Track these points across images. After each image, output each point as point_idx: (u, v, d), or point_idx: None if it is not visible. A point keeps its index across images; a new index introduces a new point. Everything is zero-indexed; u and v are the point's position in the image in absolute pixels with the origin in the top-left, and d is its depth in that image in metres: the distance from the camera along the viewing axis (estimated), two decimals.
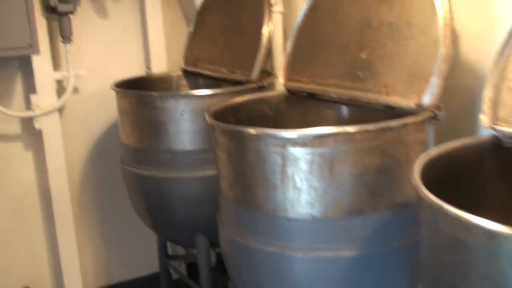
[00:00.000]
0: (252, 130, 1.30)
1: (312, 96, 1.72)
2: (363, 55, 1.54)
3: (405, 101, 1.38)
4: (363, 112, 1.57)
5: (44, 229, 2.36)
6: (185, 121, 1.85)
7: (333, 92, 1.62)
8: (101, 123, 2.42)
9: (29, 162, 2.29)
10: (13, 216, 2.30)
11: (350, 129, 1.24)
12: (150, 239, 2.37)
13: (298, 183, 1.27)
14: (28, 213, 2.33)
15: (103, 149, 2.44)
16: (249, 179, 1.35)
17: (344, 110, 1.73)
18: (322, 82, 1.67)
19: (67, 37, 2.17)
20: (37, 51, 1.98)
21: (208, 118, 1.45)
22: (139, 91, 1.95)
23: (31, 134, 2.25)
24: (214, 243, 1.91)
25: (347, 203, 1.26)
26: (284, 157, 1.27)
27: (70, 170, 2.34)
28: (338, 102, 1.65)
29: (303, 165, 1.26)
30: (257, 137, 1.30)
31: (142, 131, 1.94)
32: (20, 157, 2.27)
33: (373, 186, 1.27)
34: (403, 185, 1.28)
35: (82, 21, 2.28)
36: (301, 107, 1.79)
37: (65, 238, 2.33)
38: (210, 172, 1.72)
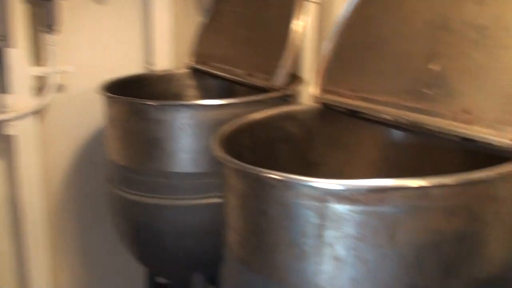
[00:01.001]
0: (277, 175, 0.90)
1: (354, 114, 1.32)
2: (434, 67, 1.16)
3: (496, 135, 1.03)
4: (424, 140, 1.25)
5: (11, 249, 1.98)
6: (186, 137, 1.51)
7: (387, 112, 1.24)
8: (90, 128, 2.03)
9: None
10: None
11: (423, 182, 0.89)
12: (136, 269, 2.04)
13: (341, 253, 0.92)
14: None
15: (89, 160, 2.06)
16: (268, 240, 0.98)
17: (398, 135, 1.37)
18: (372, 98, 1.29)
19: (52, 27, 1.76)
20: (12, 43, 1.56)
21: (217, 149, 1.03)
22: (129, 98, 1.54)
23: (2, 140, 1.86)
24: (212, 282, 1.66)
25: (410, 283, 0.93)
26: (323, 216, 0.92)
27: (48, 183, 1.96)
28: (392, 125, 1.25)
29: (349, 229, 0.91)
30: (285, 185, 0.90)
31: (133, 146, 1.58)
32: None
33: (449, 260, 0.94)
34: (489, 256, 0.97)
35: (72, 7, 1.87)
36: (337, 126, 1.44)
37: (37, 263, 1.97)
38: (212, 200, 1.51)
